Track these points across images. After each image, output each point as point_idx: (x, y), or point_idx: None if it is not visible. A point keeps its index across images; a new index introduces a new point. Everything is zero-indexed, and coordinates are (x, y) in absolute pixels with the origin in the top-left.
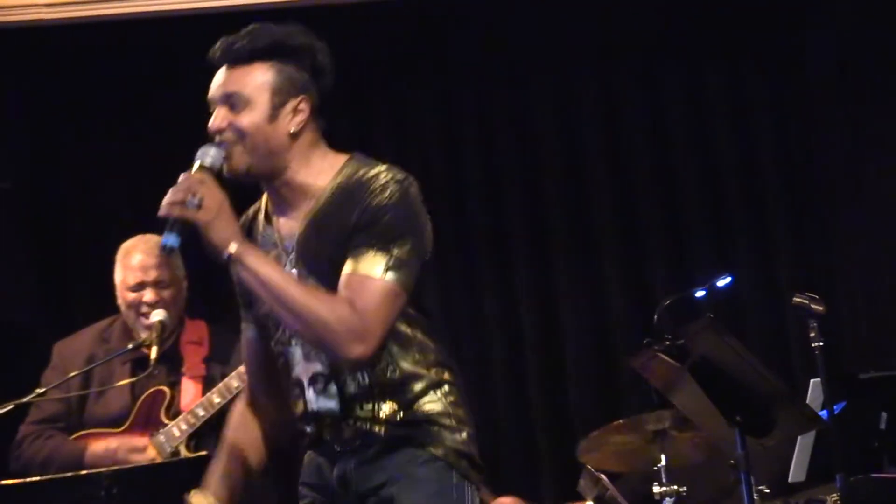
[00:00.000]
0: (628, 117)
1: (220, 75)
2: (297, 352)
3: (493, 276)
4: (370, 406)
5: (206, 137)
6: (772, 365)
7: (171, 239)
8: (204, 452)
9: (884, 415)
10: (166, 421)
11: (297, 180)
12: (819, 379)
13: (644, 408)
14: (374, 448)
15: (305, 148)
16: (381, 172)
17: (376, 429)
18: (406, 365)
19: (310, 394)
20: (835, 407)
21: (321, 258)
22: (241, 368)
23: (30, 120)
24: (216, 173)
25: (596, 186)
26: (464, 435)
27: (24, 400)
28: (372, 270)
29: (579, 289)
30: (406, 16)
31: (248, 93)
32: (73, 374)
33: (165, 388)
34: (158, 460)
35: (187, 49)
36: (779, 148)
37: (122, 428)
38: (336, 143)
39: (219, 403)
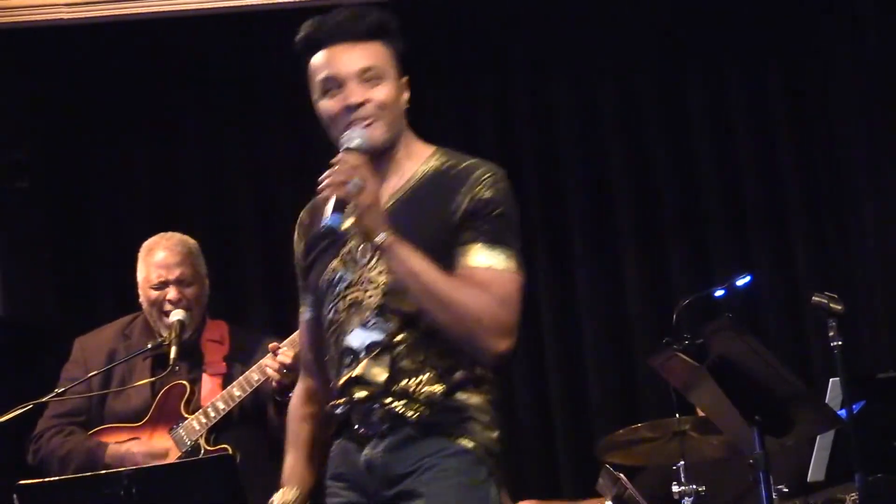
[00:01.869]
0: (649, 120)
1: (344, 52)
2: (352, 319)
3: None
4: (413, 384)
5: (217, 138)
6: (791, 364)
7: (337, 219)
8: (224, 446)
9: None
10: (186, 415)
11: (397, 157)
12: (838, 378)
13: (663, 407)
14: (404, 433)
15: (406, 127)
16: (486, 165)
17: (410, 413)
18: (459, 354)
19: (363, 361)
20: (854, 406)
21: (408, 236)
22: (263, 361)
23: (50, 119)
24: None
25: (615, 186)
26: (495, 434)
27: (45, 399)
28: (505, 264)
29: (599, 288)
30: (419, 17)
31: (381, 67)
32: (93, 373)
33: (185, 383)
34: (177, 446)
35: (208, 48)
36: (798, 148)
37: (142, 422)
38: None
39: (239, 397)
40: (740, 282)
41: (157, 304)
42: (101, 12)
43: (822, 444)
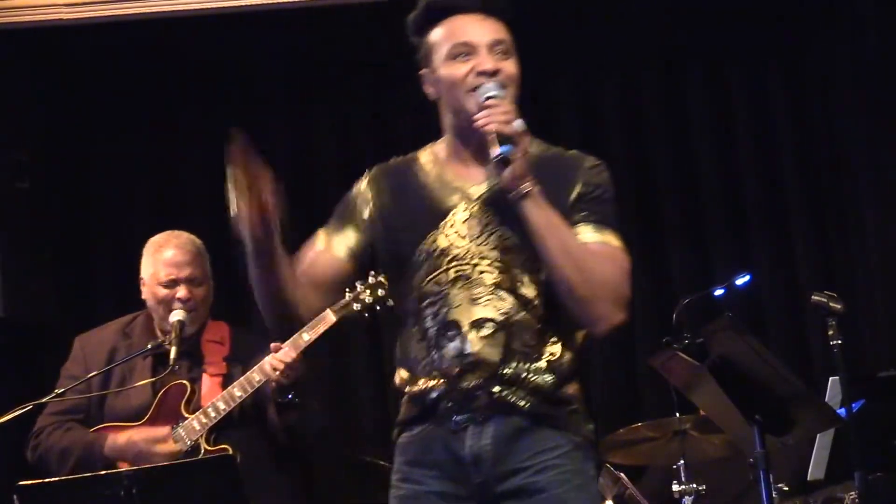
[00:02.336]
0: (649, 120)
1: (477, 22)
2: (459, 294)
3: None
4: (525, 370)
5: (218, 138)
6: (791, 363)
7: (508, 148)
8: (224, 446)
9: None
10: (186, 415)
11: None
12: (838, 377)
13: (664, 407)
14: (513, 423)
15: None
16: (586, 154)
17: (521, 403)
18: (570, 344)
19: (472, 336)
20: (853, 405)
21: (514, 213)
22: (264, 361)
23: (50, 119)
24: None
25: (615, 184)
26: (592, 426)
27: (45, 399)
28: (617, 241)
29: None
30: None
31: (510, 43)
32: (94, 373)
33: (186, 383)
34: (178, 451)
35: (209, 48)
36: (798, 147)
37: (142, 421)
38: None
39: (240, 397)
40: (740, 281)
41: (166, 303)
42: (101, 12)
43: (822, 443)
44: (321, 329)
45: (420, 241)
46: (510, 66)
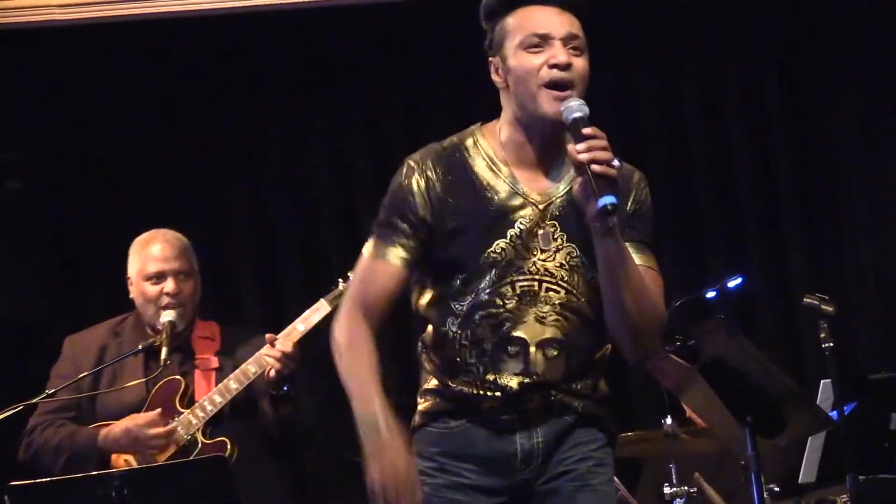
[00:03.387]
0: (642, 119)
1: (555, 15)
2: (526, 311)
3: None
4: (580, 380)
5: (211, 139)
6: (782, 365)
7: (614, 200)
8: (223, 439)
9: (894, 415)
10: (181, 409)
11: (563, 141)
12: (829, 379)
13: (655, 408)
14: (563, 422)
15: None
16: (631, 166)
17: (576, 404)
18: (605, 350)
19: (538, 357)
20: (845, 407)
21: (584, 228)
22: (261, 353)
23: (42, 120)
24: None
25: None
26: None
27: (36, 400)
28: (656, 266)
29: None
30: (415, 17)
31: (584, 40)
32: (85, 373)
33: (179, 378)
34: (173, 431)
35: (200, 50)
36: (792, 148)
37: None
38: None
39: (236, 389)
40: (732, 283)
41: (154, 300)
42: (94, 13)
43: (814, 446)
44: (315, 319)
45: (485, 248)
46: (582, 63)
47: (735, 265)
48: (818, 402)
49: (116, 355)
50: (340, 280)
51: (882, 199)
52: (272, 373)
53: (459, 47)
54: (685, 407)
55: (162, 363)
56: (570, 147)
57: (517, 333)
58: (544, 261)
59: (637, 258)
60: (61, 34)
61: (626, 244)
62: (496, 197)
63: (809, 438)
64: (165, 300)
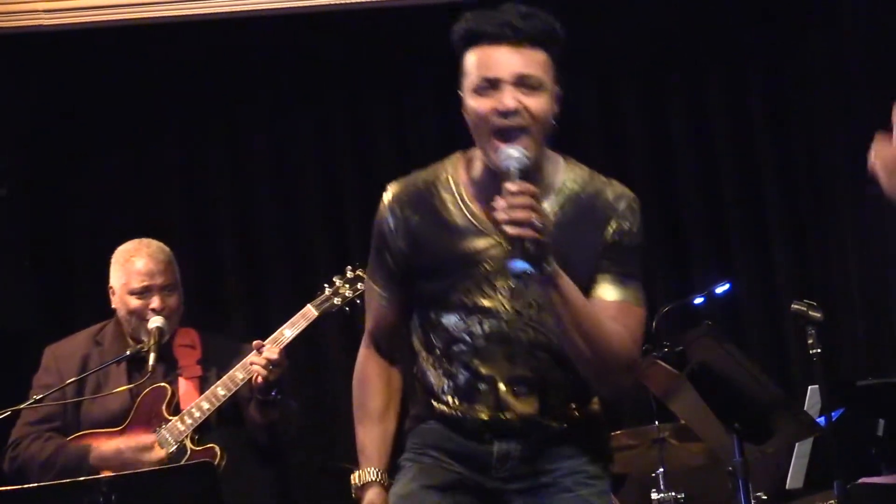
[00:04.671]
0: (628, 124)
1: (506, 54)
2: (494, 349)
3: None
4: (560, 408)
5: (197, 146)
6: (770, 372)
7: (524, 265)
8: (211, 446)
9: (881, 422)
10: (168, 417)
11: (543, 171)
12: (817, 386)
13: (643, 414)
14: (548, 435)
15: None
16: (627, 193)
17: (554, 424)
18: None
19: (508, 395)
20: (833, 414)
21: (564, 263)
22: (248, 359)
23: (29, 126)
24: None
25: None
26: (611, 441)
27: (22, 406)
28: (635, 299)
29: None
30: (405, 22)
31: (540, 77)
32: (70, 380)
33: (166, 385)
34: (165, 458)
35: (188, 55)
36: (778, 154)
37: (122, 426)
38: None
39: (224, 396)
40: (720, 289)
41: (138, 313)
42: (81, 19)
43: (801, 452)
44: (303, 325)
45: (454, 288)
46: (535, 103)
47: (722, 271)
48: (805, 408)
49: (99, 365)
50: (326, 286)
51: (868, 205)
52: (259, 379)
53: (450, 54)
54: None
55: (150, 369)
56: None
57: (486, 371)
58: (512, 301)
59: (613, 292)
60: (48, 40)
61: (606, 277)
62: (463, 237)
63: (797, 445)
64: (151, 315)
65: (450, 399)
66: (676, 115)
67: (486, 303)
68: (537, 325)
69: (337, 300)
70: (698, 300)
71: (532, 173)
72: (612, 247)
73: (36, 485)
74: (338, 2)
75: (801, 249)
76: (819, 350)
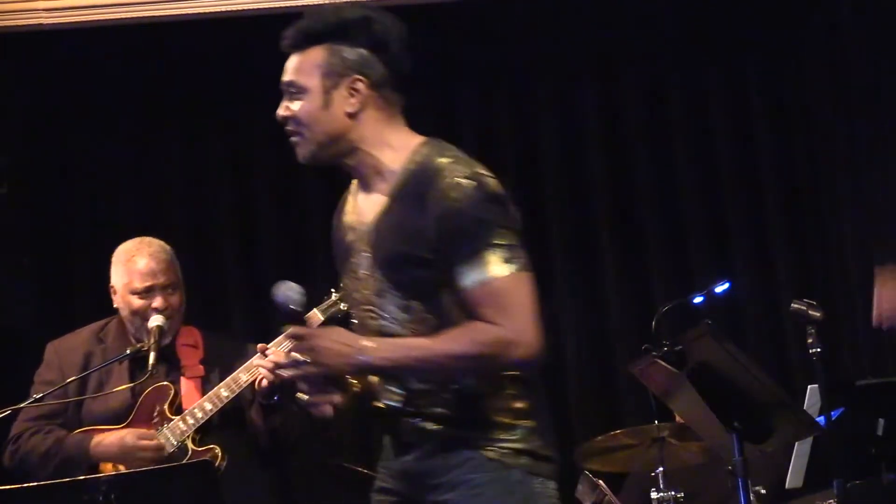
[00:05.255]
0: (628, 122)
1: (288, 63)
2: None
3: None
4: (430, 402)
5: (197, 144)
6: (770, 371)
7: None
8: (212, 446)
9: (881, 421)
10: (171, 416)
11: (369, 161)
12: (817, 385)
13: (643, 414)
14: (430, 445)
15: (372, 127)
16: (452, 172)
17: (430, 426)
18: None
19: (375, 384)
20: (832, 413)
21: (389, 247)
22: (252, 361)
23: (28, 124)
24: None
25: (594, 191)
26: (518, 432)
27: (23, 405)
28: (497, 271)
29: (578, 294)
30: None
31: (302, 81)
32: (72, 378)
33: (169, 384)
34: (165, 451)
35: (186, 53)
36: (778, 153)
37: (124, 424)
38: None
39: (227, 397)
40: (719, 288)
41: (141, 313)
42: (81, 17)
43: (801, 451)
44: None
45: (340, 285)
46: (296, 108)
47: (722, 270)
48: (805, 407)
49: (101, 362)
50: (333, 290)
51: (868, 204)
52: (263, 382)
53: (448, 52)
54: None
55: (150, 368)
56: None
57: None
58: (365, 290)
59: (470, 278)
60: (48, 38)
61: (457, 266)
62: (343, 234)
63: (796, 444)
64: (153, 314)
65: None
66: (675, 115)
67: (353, 293)
68: (381, 313)
69: (344, 305)
70: (698, 299)
71: (303, 161)
72: (447, 234)
73: (35, 484)
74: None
75: (801, 248)
76: (819, 349)
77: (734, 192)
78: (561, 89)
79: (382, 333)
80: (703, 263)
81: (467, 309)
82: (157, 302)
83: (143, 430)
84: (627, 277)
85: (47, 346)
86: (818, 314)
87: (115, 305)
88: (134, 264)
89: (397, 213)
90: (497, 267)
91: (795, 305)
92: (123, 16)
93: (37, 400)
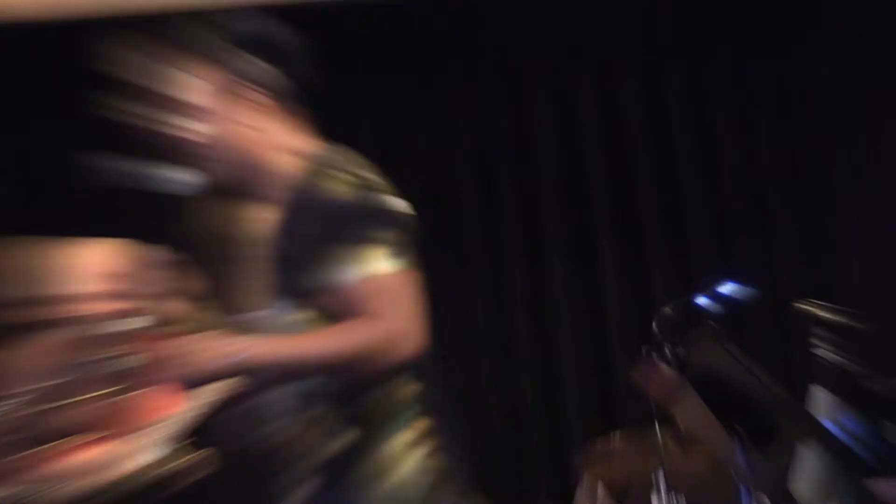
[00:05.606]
0: (628, 117)
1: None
2: None
3: (487, 282)
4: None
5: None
6: (774, 373)
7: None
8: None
9: (887, 423)
10: None
11: (265, 175)
12: (822, 387)
13: (643, 418)
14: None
15: (268, 140)
16: (337, 162)
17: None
18: None
19: None
20: (836, 415)
21: (283, 255)
22: None
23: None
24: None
25: (594, 188)
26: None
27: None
28: (374, 268)
29: (576, 293)
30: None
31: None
32: None
33: None
34: None
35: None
36: (783, 151)
37: None
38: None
39: None
40: (723, 288)
41: None
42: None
43: (806, 455)
44: None
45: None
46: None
47: (726, 270)
48: (810, 410)
49: None
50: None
51: (874, 203)
52: None
53: (443, 48)
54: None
55: None
56: None
57: None
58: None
59: (353, 272)
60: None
61: (337, 261)
62: (231, 240)
63: (802, 448)
64: None
65: None
66: (678, 109)
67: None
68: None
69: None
70: (701, 300)
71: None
72: (328, 229)
73: None
74: None
75: (807, 248)
76: (824, 351)
77: (739, 189)
78: (559, 82)
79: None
80: (707, 262)
81: (350, 305)
82: None
83: None
84: (628, 276)
85: None
86: (824, 315)
87: None
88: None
89: (289, 223)
90: (373, 265)
91: (801, 306)
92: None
93: None
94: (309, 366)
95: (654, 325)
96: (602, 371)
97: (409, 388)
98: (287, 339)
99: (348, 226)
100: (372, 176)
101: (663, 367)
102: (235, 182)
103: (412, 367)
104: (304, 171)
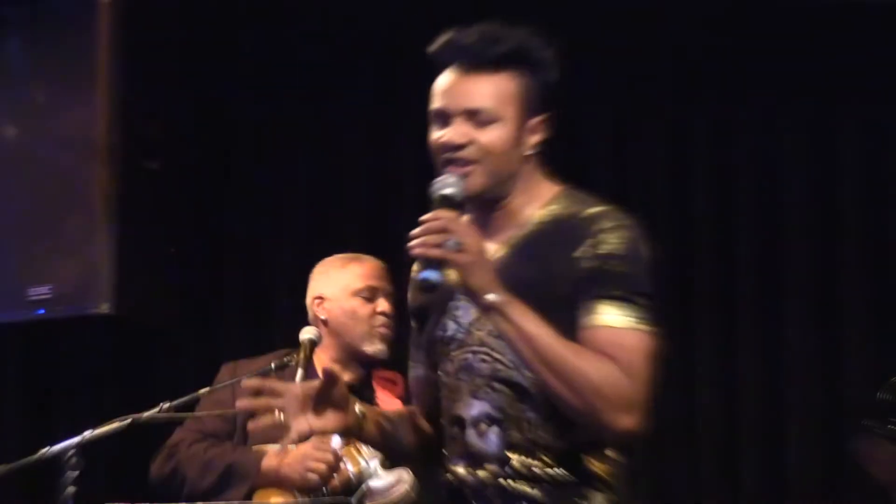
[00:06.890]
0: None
1: (461, 83)
2: (463, 387)
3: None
4: (527, 463)
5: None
6: None
7: (434, 274)
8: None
9: None
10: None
11: (511, 206)
12: None
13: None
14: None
15: (530, 172)
16: (612, 213)
17: (529, 489)
18: (579, 429)
19: (471, 434)
20: None
21: (522, 288)
22: None
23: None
24: (457, 204)
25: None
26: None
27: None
28: (632, 324)
29: (811, 354)
30: None
31: (495, 109)
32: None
33: None
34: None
35: None
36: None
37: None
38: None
39: None
40: None
41: (362, 318)
42: None
43: None
44: None
45: (434, 328)
46: (487, 136)
47: None
48: None
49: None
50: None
51: None
52: None
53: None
54: None
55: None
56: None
57: (457, 412)
58: (478, 329)
59: (598, 318)
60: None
61: (586, 304)
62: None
63: None
64: (380, 320)
65: (446, 462)
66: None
67: (457, 334)
68: (497, 354)
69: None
70: None
71: (464, 202)
72: (594, 272)
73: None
74: None
75: None
76: None
77: None
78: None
79: (495, 378)
80: None
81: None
82: (383, 306)
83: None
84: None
85: (222, 367)
86: None
87: (322, 317)
88: (355, 267)
89: (537, 254)
90: (631, 321)
91: None
92: None
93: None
94: (535, 348)
95: (878, 395)
96: (826, 438)
97: (602, 464)
98: (535, 318)
99: (605, 276)
100: (621, 230)
101: (888, 445)
102: (491, 197)
103: (615, 443)
104: (555, 206)
